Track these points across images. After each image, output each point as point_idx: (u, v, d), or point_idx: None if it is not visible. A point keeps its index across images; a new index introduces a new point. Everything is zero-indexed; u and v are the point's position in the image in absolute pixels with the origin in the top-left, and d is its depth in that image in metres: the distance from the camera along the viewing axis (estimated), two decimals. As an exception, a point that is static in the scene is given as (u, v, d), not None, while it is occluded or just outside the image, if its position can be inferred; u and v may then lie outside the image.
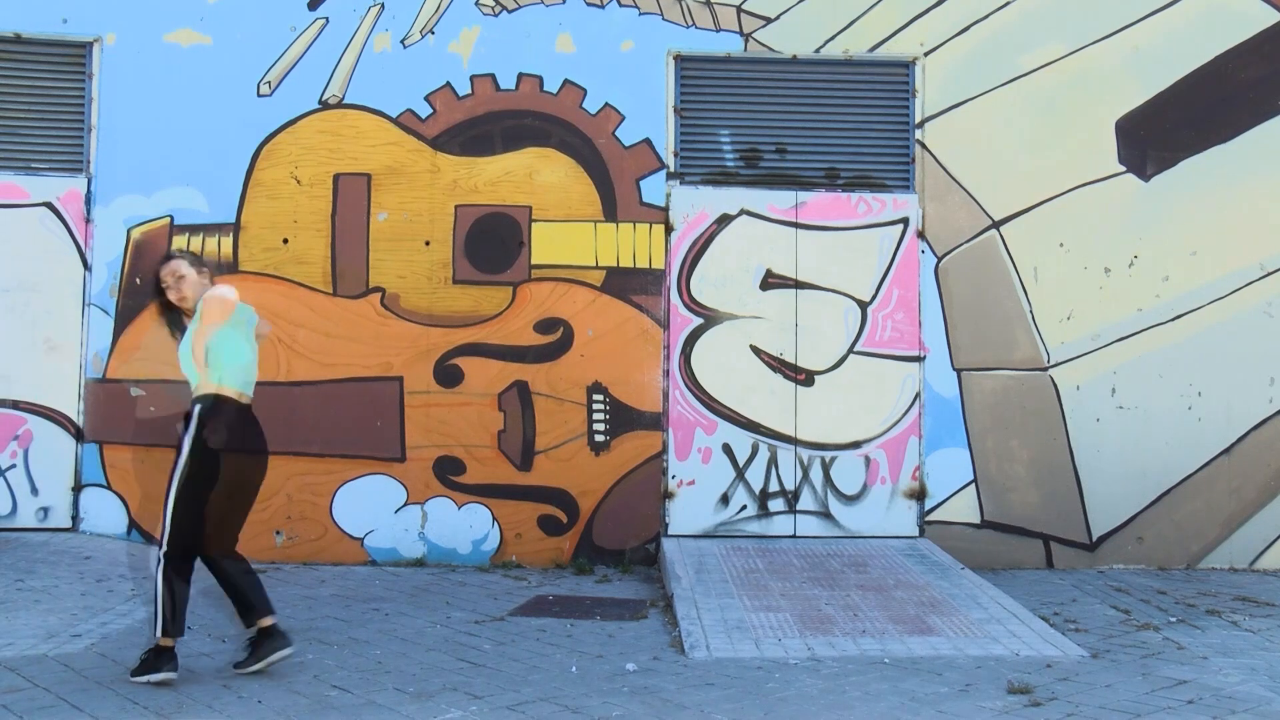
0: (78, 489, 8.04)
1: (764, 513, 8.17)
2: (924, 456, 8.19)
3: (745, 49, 8.32)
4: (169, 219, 8.13)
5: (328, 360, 8.07)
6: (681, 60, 8.35)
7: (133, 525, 7.97)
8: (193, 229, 8.12)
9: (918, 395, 8.22)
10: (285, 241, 8.13)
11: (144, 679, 5.01)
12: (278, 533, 8.02)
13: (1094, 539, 8.14)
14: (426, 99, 8.21)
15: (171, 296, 5.35)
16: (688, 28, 8.30)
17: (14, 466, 8.03)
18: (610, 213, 8.20)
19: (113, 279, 8.09)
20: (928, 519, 8.16)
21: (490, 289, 8.15)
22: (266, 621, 5.21)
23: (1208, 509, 8.17)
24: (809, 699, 4.98)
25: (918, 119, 8.32)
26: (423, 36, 8.24)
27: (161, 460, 8.07)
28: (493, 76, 8.25)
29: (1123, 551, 8.14)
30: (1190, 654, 5.78)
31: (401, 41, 8.23)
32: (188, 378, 5.27)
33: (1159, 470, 8.16)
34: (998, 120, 8.27)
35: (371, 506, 8.03)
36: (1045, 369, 8.18)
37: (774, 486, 8.17)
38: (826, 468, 8.18)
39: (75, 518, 8.03)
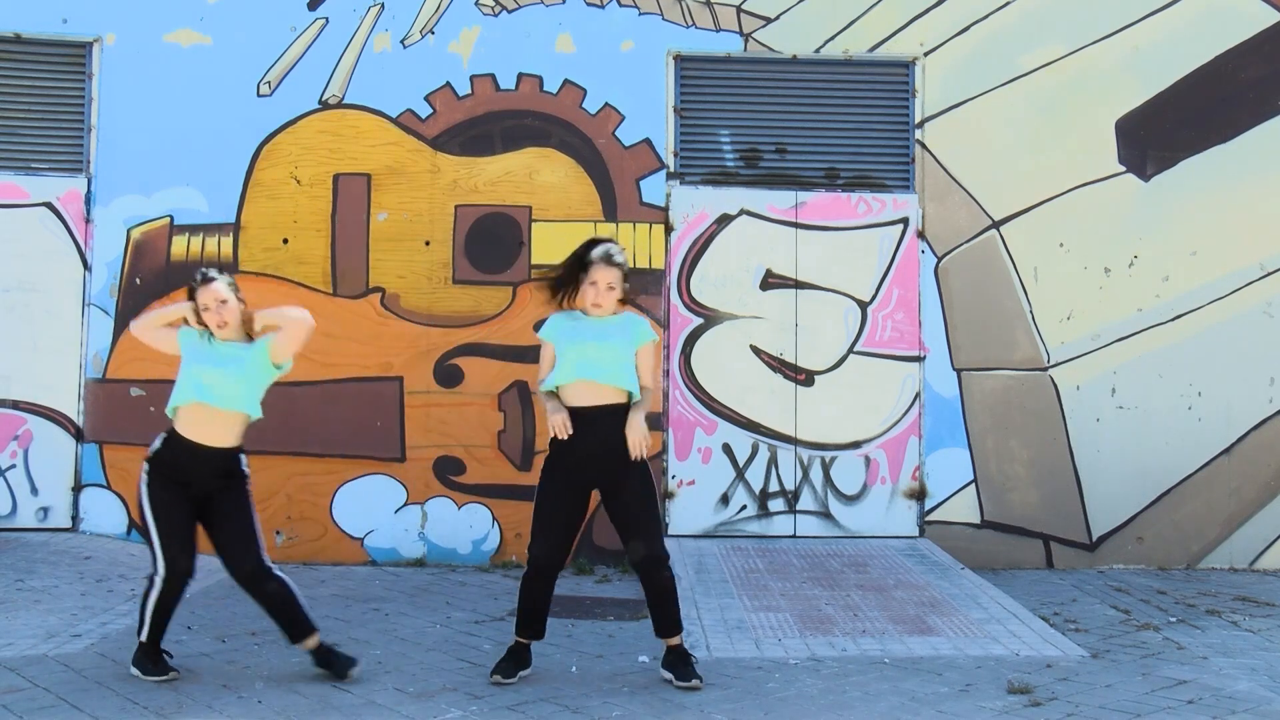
0: (78, 489, 8.04)
1: (764, 513, 8.16)
2: (924, 456, 8.19)
3: (745, 49, 8.32)
4: (169, 219, 8.13)
5: (328, 360, 8.06)
6: (681, 60, 8.35)
7: (133, 525, 7.97)
8: (193, 229, 8.12)
9: (918, 395, 8.22)
10: (285, 241, 8.13)
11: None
12: (278, 533, 8.02)
13: (1094, 539, 8.14)
14: (426, 99, 8.20)
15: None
16: (688, 28, 8.30)
17: (14, 466, 8.03)
18: (610, 213, 8.20)
19: (113, 279, 8.09)
20: (928, 519, 8.16)
21: (490, 289, 8.15)
22: None
23: (1208, 509, 8.17)
24: (809, 699, 4.98)
25: (918, 119, 8.32)
26: (423, 36, 8.24)
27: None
28: (493, 76, 8.24)
29: (1123, 551, 8.14)
30: (1190, 654, 5.78)
31: (401, 41, 8.23)
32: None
33: (1159, 470, 8.15)
34: (998, 120, 8.27)
35: (371, 506, 8.03)
36: (1045, 369, 8.18)
37: (774, 486, 8.17)
38: (826, 468, 8.18)
39: (75, 518, 8.03)
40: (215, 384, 5.12)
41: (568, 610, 6.65)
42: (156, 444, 5.18)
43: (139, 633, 5.14)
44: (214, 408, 5.12)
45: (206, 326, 5.25)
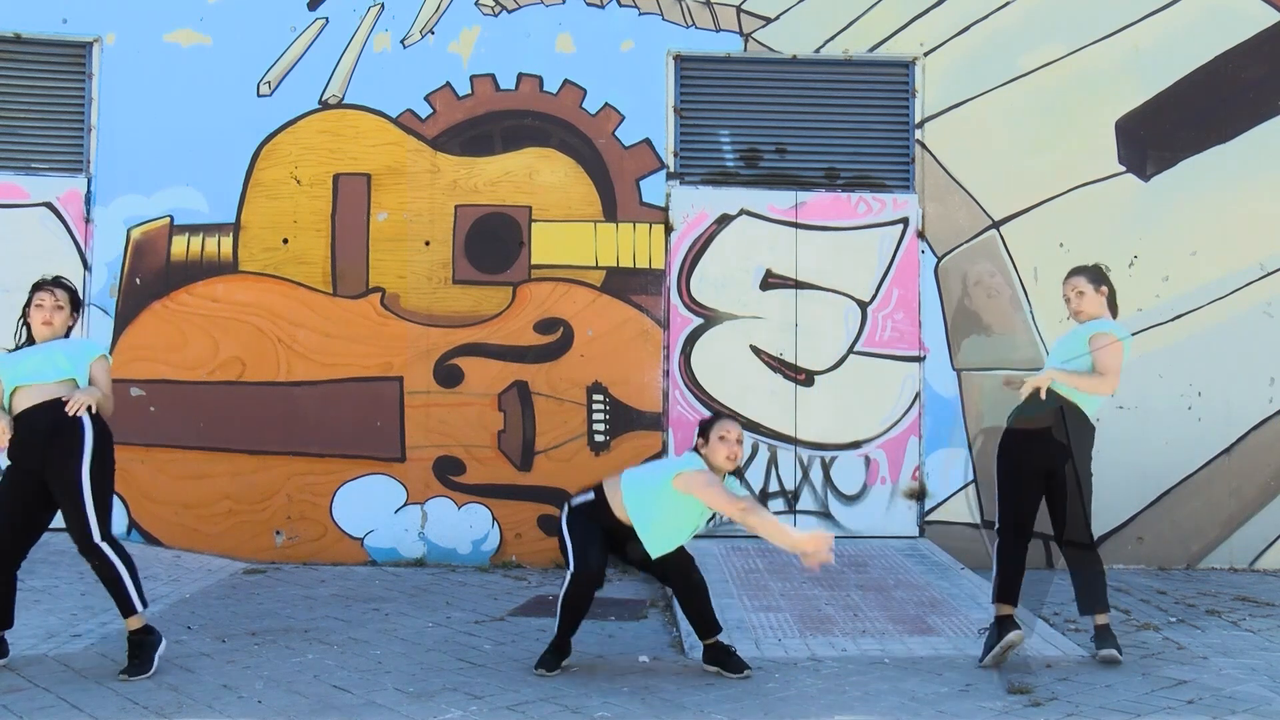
0: (78, 489, 8.02)
1: (764, 513, 8.15)
2: (924, 456, 8.19)
3: (745, 49, 8.32)
4: (169, 219, 8.13)
5: (328, 360, 8.07)
6: (681, 60, 8.35)
7: (132, 525, 7.96)
8: (193, 229, 8.13)
9: (918, 395, 8.22)
10: (285, 241, 8.13)
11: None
12: (278, 533, 8.02)
13: (1094, 539, 8.11)
14: (426, 99, 8.20)
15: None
16: (688, 28, 8.30)
17: (14, 466, 8.00)
18: (610, 213, 8.20)
19: (113, 279, 8.09)
20: (928, 519, 8.16)
21: (490, 289, 8.15)
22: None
23: (1208, 509, 8.17)
24: (809, 699, 4.98)
25: (918, 119, 8.32)
26: (423, 36, 8.25)
27: (163, 461, 8.10)
28: (493, 76, 8.25)
29: (1123, 551, 8.14)
30: (1190, 654, 5.79)
31: (401, 41, 8.23)
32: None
33: (1159, 470, 8.15)
34: (998, 120, 8.27)
35: (371, 506, 8.03)
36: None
37: (774, 486, 8.17)
38: (826, 468, 8.18)
39: (75, 518, 8.01)
40: (26, 368, 5.21)
41: (568, 610, 6.65)
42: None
43: None
44: (34, 386, 5.19)
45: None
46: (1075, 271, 5.89)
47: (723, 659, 5.34)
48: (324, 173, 8.16)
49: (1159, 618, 6.57)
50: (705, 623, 5.38)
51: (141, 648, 5.21)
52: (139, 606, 5.22)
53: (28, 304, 5.44)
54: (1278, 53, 8.30)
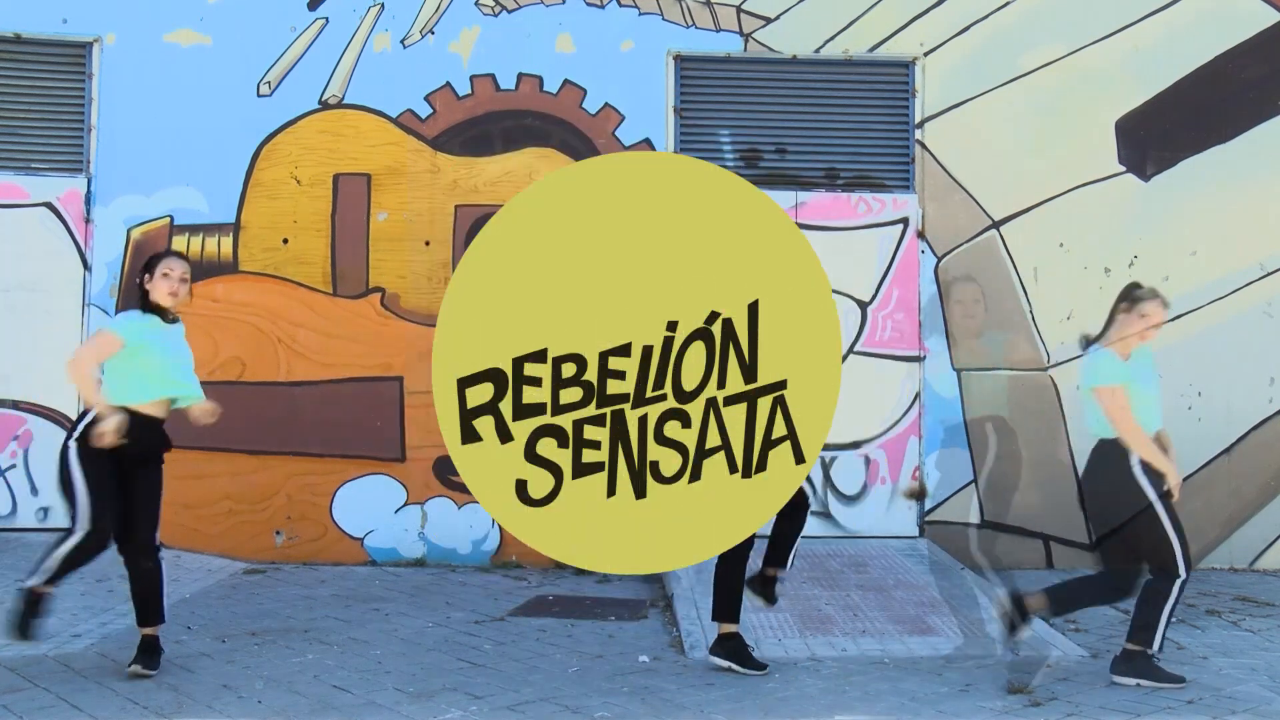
0: (78, 489, 8.02)
1: (764, 513, 8.14)
2: (924, 456, 8.19)
3: (745, 49, 8.32)
4: (169, 219, 8.12)
5: (328, 360, 8.07)
6: (681, 60, 8.35)
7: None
8: (193, 229, 8.12)
9: (918, 395, 8.22)
10: (285, 241, 8.13)
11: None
12: (278, 533, 8.02)
13: (1094, 539, 8.12)
14: (426, 99, 8.20)
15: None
16: (688, 28, 8.30)
17: (14, 466, 8.02)
18: (610, 213, 8.19)
19: (113, 279, 8.09)
20: (928, 519, 8.16)
21: (490, 289, 8.13)
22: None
23: (1208, 509, 8.16)
24: (809, 699, 4.98)
25: (918, 119, 8.32)
26: (423, 36, 8.24)
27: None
28: (493, 76, 8.24)
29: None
30: (1190, 654, 5.79)
31: (401, 41, 8.23)
32: None
33: (1159, 470, 8.14)
34: (998, 120, 8.27)
35: (371, 506, 8.03)
36: (1045, 369, 8.17)
37: (774, 486, 8.15)
38: (826, 468, 8.18)
39: (75, 518, 8.02)
40: (177, 376, 5.27)
41: (568, 610, 6.66)
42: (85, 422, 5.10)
43: (36, 578, 5.11)
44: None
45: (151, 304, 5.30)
46: (1153, 294, 5.48)
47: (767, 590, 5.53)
48: (324, 173, 8.16)
49: (1159, 618, 6.56)
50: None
51: (154, 649, 5.23)
52: (165, 616, 5.28)
53: (147, 269, 5.29)
54: (1278, 53, 8.30)
